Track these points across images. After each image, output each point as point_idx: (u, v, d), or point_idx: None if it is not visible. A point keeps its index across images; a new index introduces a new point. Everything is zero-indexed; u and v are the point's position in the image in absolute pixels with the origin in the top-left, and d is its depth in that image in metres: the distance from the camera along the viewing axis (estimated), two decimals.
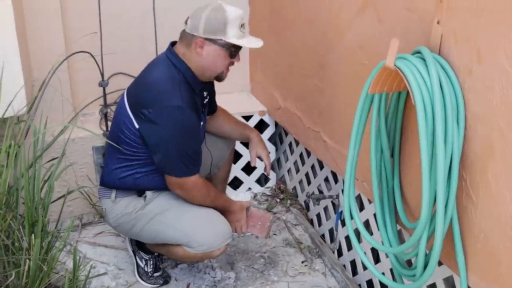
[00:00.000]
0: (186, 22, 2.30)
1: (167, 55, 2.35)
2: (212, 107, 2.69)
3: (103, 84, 3.03)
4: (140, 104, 2.28)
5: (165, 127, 2.24)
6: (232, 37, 2.25)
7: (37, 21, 2.83)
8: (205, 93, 2.49)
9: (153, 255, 2.66)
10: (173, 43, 2.39)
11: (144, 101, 2.27)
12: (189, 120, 2.26)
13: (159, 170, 2.35)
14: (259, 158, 2.72)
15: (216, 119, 2.73)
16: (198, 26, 2.24)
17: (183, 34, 2.32)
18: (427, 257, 1.76)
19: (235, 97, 3.59)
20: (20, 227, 2.11)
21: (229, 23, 2.23)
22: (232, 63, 2.36)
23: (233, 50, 2.30)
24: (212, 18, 2.23)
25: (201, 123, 2.44)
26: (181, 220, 2.38)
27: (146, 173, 2.39)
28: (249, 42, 2.31)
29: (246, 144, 3.36)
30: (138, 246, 2.68)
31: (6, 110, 2.40)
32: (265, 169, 2.72)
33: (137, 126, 2.30)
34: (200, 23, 2.23)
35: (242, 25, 2.28)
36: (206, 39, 2.25)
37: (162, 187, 2.40)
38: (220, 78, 2.39)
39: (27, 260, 1.95)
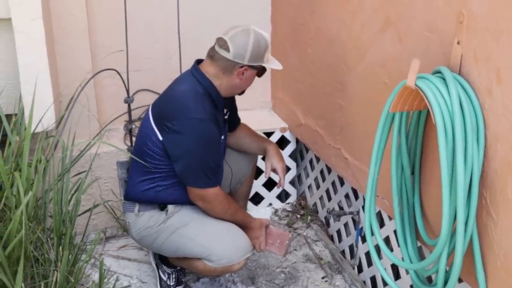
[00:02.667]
0: (220, 46, 2.32)
1: (192, 71, 2.42)
2: (234, 123, 2.75)
3: (128, 100, 3.10)
4: (164, 117, 2.36)
5: (188, 138, 2.31)
6: (267, 62, 2.40)
7: (66, 39, 2.92)
8: (225, 110, 2.56)
9: (176, 268, 2.70)
10: (198, 61, 2.45)
11: (168, 114, 2.35)
12: (211, 132, 2.34)
13: (180, 181, 2.40)
14: (274, 171, 2.73)
15: (236, 133, 2.78)
16: (244, 55, 2.31)
17: (218, 57, 2.34)
18: (447, 274, 1.78)
19: (256, 114, 3.63)
20: (48, 239, 2.17)
21: (267, 49, 2.38)
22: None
23: (263, 72, 2.44)
24: (257, 47, 2.33)
25: (222, 137, 2.50)
26: (202, 234, 2.42)
27: (167, 186, 2.44)
28: (277, 65, 2.45)
29: None
30: (161, 259, 2.72)
31: (36, 126, 2.47)
32: (279, 182, 2.73)
33: (160, 138, 2.36)
34: (247, 52, 2.31)
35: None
36: (250, 66, 2.35)
37: (183, 201, 2.45)
38: (242, 92, 2.52)
39: (55, 272, 2.00)
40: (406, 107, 1.86)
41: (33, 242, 2.05)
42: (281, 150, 3.37)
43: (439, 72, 1.75)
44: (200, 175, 2.35)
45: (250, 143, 2.80)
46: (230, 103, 2.62)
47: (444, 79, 1.70)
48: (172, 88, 2.48)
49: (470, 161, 1.65)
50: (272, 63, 2.42)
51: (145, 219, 2.48)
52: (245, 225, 2.52)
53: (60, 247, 2.07)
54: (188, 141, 2.31)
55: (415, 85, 1.71)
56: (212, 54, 2.37)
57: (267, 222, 2.60)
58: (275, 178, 3.47)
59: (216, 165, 2.40)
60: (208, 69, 2.39)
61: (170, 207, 2.47)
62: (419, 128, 1.97)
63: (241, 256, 2.40)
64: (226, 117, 2.59)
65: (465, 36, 1.74)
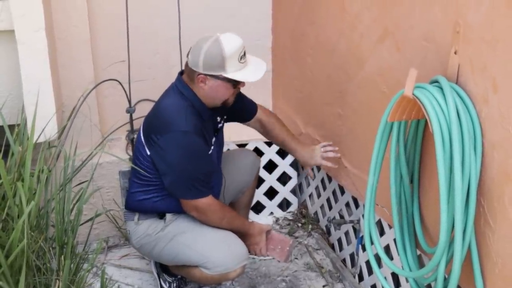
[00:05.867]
0: (187, 55, 2.36)
1: (176, 84, 2.44)
2: (249, 113, 2.75)
3: (130, 110, 3.13)
4: (150, 131, 2.39)
5: (172, 151, 2.33)
6: (232, 72, 2.28)
7: (68, 50, 2.94)
8: (218, 119, 2.56)
9: (177, 277, 2.72)
10: (181, 72, 2.46)
11: (153, 128, 2.38)
12: (195, 144, 2.34)
13: (170, 194, 2.42)
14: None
15: (271, 125, 2.80)
16: (197, 63, 2.28)
17: (186, 66, 2.38)
18: (446, 281, 1.79)
19: None
20: (50, 248, 2.18)
21: (227, 58, 2.25)
22: (238, 89, 2.41)
23: (235, 82, 2.34)
24: (209, 54, 2.26)
25: (212, 147, 2.50)
26: (198, 241, 2.44)
27: (163, 196, 2.47)
28: (248, 76, 2.32)
29: (268, 169, 3.42)
30: (162, 268, 2.73)
31: (39, 136, 2.49)
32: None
33: (148, 152, 2.40)
34: (199, 59, 2.27)
35: (242, 56, 2.30)
36: (207, 75, 2.29)
37: (180, 210, 2.47)
38: (226, 104, 2.44)
39: (57, 281, 2.01)
40: (404, 116, 1.87)
41: (35, 251, 2.06)
42: (282, 159, 3.42)
43: (436, 81, 1.77)
44: (188, 187, 2.37)
45: (286, 142, 2.81)
46: (224, 109, 2.55)
47: (441, 88, 1.72)
48: (158, 102, 2.49)
49: (467, 169, 1.66)
50: (241, 74, 2.31)
51: (144, 227, 2.51)
52: (244, 231, 2.53)
53: (62, 256, 2.08)
54: (172, 154, 2.33)
55: (413, 94, 1.73)
56: (185, 64, 2.41)
57: (268, 227, 2.60)
58: (274, 186, 3.50)
59: (205, 175, 2.41)
60: (184, 78, 2.41)
61: (168, 216, 2.49)
62: (417, 137, 1.98)
63: (237, 263, 2.41)
64: (220, 125, 2.58)
65: (462, 45, 1.76)
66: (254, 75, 2.33)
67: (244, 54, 2.32)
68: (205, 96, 2.37)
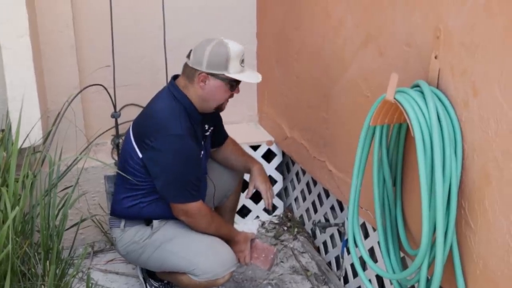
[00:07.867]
0: (188, 56, 2.40)
1: (169, 87, 2.45)
2: (220, 139, 2.77)
3: (115, 115, 3.13)
4: (143, 134, 2.39)
5: (166, 154, 2.33)
6: (233, 72, 2.35)
7: (53, 55, 2.95)
8: (206, 126, 2.58)
9: (163, 282, 2.71)
10: (175, 77, 2.49)
11: (146, 131, 2.38)
12: (189, 148, 2.35)
13: (162, 197, 2.43)
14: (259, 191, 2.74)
15: (223, 149, 2.80)
16: (201, 61, 2.33)
17: (185, 67, 2.42)
18: (428, 282, 1.81)
19: (243, 127, 3.67)
20: (35, 254, 2.18)
21: (231, 58, 2.32)
22: (232, 95, 2.46)
23: (234, 84, 2.40)
24: (215, 54, 2.32)
25: (202, 152, 2.51)
26: (186, 248, 2.44)
27: (150, 202, 2.47)
28: (249, 77, 2.41)
29: None
30: (148, 273, 2.73)
31: (23, 142, 2.48)
32: (266, 203, 2.73)
33: (140, 155, 2.39)
34: (204, 58, 2.32)
35: (242, 60, 2.38)
36: (209, 73, 2.34)
37: (167, 215, 2.47)
38: (220, 108, 2.50)
39: (42, 286, 2.01)
40: (386, 120, 1.90)
41: (20, 257, 2.06)
42: (267, 163, 3.43)
43: (417, 86, 1.79)
44: (180, 190, 2.37)
45: (236, 161, 2.81)
46: (213, 119, 2.63)
47: (422, 92, 1.74)
48: (150, 105, 2.51)
49: (448, 172, 1.69)
50: (242, 75, 2.38)
51: (130, 234, 2.50)
52: (230, 238, 2.53)
53: (47, 262, 2.08)
54: (166, 157, 2.34)
55: (394, 99, 1.75)
56: (183, 66, 2.44)
57: (252, 236, 2.61)
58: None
59: (197, 179, 2.42)
60: (180, 81, 2.44)
61: (155, 222, 2.49)
62: (399, 140, 2.00)
63: (225, 270, 2.42)
64: (207, 133, 2.60)
65: (442, 50, 1.79)
66: (254, 77, 2.44)
67: (243, 60, 2.40)
68: (200, 97, 2.39)
